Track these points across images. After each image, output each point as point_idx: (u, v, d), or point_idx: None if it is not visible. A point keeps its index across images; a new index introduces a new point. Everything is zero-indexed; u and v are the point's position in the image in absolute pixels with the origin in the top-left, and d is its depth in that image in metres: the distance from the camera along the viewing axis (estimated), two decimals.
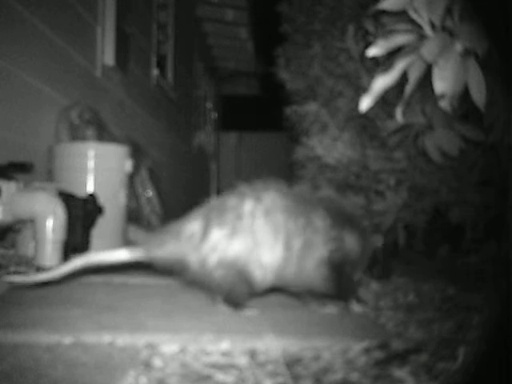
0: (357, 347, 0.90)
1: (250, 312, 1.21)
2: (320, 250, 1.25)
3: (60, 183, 2.65)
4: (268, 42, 3.34)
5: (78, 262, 1.22)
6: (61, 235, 2.03)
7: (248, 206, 1.27)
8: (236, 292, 1.21)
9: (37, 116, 2.89)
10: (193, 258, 1.19)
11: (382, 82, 1.31)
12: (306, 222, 1.26)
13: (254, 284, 1.22)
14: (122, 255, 1.21)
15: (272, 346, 0.91)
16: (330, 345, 0.92)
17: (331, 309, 1.29)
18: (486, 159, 1.63)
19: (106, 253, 1.23)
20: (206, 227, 1.20)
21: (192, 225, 1.22)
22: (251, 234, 1.20)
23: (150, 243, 1.22)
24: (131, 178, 3.42)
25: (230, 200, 1.30)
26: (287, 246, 1.22)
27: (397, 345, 0.90)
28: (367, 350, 0.88)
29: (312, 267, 1.24)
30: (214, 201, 1.31)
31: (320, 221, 1.27)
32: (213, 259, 1.18)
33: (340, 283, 1.27)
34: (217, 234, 1.19)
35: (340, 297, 1.29)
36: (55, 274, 1.19)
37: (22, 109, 2.73)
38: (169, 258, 1.20)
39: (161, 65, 5.61)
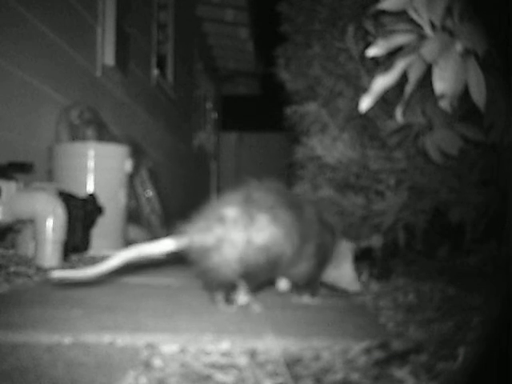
0: (357, 347, 0.90)
1: (257, 308, 1.27)
2: (312, 243, 1.34)
3: (60, 183, 2.65)
4: (268, 42, 3.34)
5: (126, 254, 1.19)
6: (61, 235, 2.03)
7: (273, 196, 1.32)
8: (258, 278, 1.28)
9: (37, 116, 2.89)
10: (238, 240, 1.21)
11: (381, 82, 1.31)
12: (306, 217, 1.34)
13: (277, 272, 1.32)
14: (168, 245, 1.23)
15: (272, 345, 0.91)
16: (329, 345, 0.92)
17: (308, 299, 1.40)
18: (486, 159, 1.63)
19: (152, 244, 1.23)
20: (249, 211, 1.24)
21: (234, 209, 1.25)
22: (285, 223, 1.26)
23: (193, 231, 1.23)
24: (131, 178, 3.42)
25: (259, 190, 1.36)
26: (299, 238, 1.29)
27: (397, 345, 0.90)
28: (367, 350, 0.88)
29: (305, 259, 1.33)
30: (246, 188, 1.38)
31: (312, 216, 1.37)
32: (258, 241, 1.22)
33: (317, 275, 1.39)
34: (261, 218, 1.24)
35: (312, 287, 1.40)
36: (104, 269, 1.17)
37: (22, 109, 2.73)
38: (214, 243, 1.22)
39: (161, 65, 5.61)
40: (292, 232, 1.27)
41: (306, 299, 1.40)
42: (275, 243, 1.24)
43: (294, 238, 1.28)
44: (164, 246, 1.23)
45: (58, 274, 1.13)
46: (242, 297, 1.29)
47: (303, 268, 1.34)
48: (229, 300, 1.26)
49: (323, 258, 1.39)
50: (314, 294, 1.42)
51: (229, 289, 1.27)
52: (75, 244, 2.37)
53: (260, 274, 1.26)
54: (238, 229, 1.22)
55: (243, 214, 1.24)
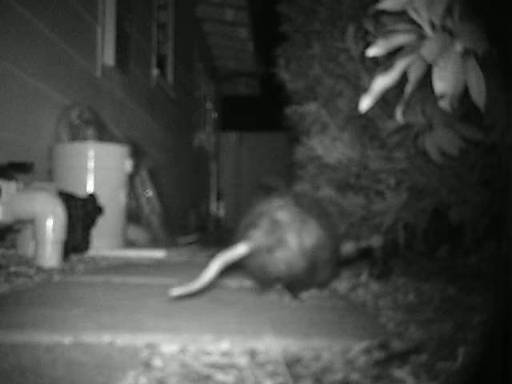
0: (357, 347, 0.90)
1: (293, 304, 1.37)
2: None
3: (60, 183, 2.65)
4: (268, 42, 3.34)
5: (217, 266, 1.28)
6: (61, 235, 2.03)
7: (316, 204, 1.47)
8: (311, 277, 1.39)
9: (37, 116, 2.89)
10: (292, 241, 1.32)
11: (381, 82, 1.31)
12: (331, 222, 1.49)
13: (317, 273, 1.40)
14: (243, 249, 1.33)
15: (272, 345, 0.91)
16: (330, 345, 0.92)
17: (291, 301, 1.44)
18: (486, 159, 1.63)
19: (231, 252, 1.32)
20: (302, 215, 1.36)
21: (285, 212, 1.36)
22: (327, 229, 1.39)
23: (257, 235, 1.35)
24: (131, 178, 3.42)
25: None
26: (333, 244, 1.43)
27: (397, 345, 0.90)
28: (367, 350, 0.88)
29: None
30: (293, 193, 1.56)
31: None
32: (308, 243, 1.33)
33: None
34: (313, 222, 1.36)
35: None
36: (206, 280, 1.26)
37: (22, 109, 2.74)
38: (273, 244, 1.33)
39: (161, 65, 5.61)
40: (330, 237, 1.40)
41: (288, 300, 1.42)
42: (323, 246, 1.36)
43: (331, 243, 1.40)
44: (240, 249, 1.34)
45: (177, 291, 1.24)
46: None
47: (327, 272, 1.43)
48: (295, 294, 1.40)
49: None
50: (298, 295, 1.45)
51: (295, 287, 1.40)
52: (75, 244, 2.37)
53: (310, 273, 1.36)
54: (291, 232, 1.33)
55: (296, 219, 1.35)
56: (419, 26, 1.29)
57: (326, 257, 1.37)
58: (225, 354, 0.87)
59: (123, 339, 0.93)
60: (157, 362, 0.81)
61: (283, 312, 1.24)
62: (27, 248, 2.24)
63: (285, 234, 1.33)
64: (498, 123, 1.44)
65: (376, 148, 1.87)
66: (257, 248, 1.34)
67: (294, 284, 1.39)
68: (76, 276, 1.81)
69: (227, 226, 9.34)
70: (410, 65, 1.29)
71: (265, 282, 1.41)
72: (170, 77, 5.93)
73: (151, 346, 0.89)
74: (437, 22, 1.26)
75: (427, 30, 1.28)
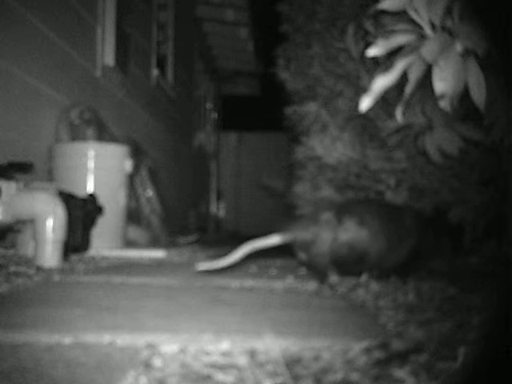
0: (357, 347, 0.90)
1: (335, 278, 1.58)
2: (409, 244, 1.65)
3: (60, 183, 2.65)
4: (268, 42, 3.34)
5: (246, 249, 1.52)
6: (61, 235, 2.03)
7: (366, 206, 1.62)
8: (349, 267, 1.58)
9: (37, 116, 2.89)
10: (328, 237, 1.52)
11: (381, 82, 1.31)
12: (400, 223, 1.67)
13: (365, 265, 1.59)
14: (276, 239, 1.55)
15: (272, 345, 0.91)
16: (330, 345, 0.92)
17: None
18: (486, 159, 1.63)
19: (264, 239, 1.56)
20: (339, 215, 1.53)
21: (326, 213, 1.55)
22: (370, 227, 1.54)
23: (294, 229, 1.56)
24: (131, 178, 3.42)
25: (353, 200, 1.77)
26: (387, 239, 1.58)
27: (397, 345, 0.90)
28: (367, 350, 0.88)
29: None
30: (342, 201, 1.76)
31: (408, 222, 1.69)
32: (343, 238, 1.52)
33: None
34: (348, 221, 1.52)
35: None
36: (231, 260, 1.51)
37: (22, 109, 2.74)
38: (309, 238, 1.53)
39: (161, 65, 5.61)
40: (379, 234, 1.53)
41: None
42: (358, 242, 1.52)
43: (381, 239, 1.54)
44: (273, 240, 1.55)
45: (203, 266, 1.50)
46: (333, 278, 1.58)
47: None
48: (322, 280, 1.57)
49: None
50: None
51: (323, 272, 1.58)
52: (75, 244, 2.37)
53: (345, 264, 1.55)
54: (327, 229, 1.52)
55: (334, 217, 1.53)
56: (419, 26, 1.29)
57: (374, 249, 1.54)
58: (225, 353, 0.86)
59: (123, 339, 0.93)
60: (157, 362, 0.81)
61: (283, 312, 1.24)
62: (27, 248, 2.24)
63: (321, 230, 1.51)
64: (498, 123, 1.44)
65: (376, 148, 1.87)
66: (291, 241, 1.54)
67: (335, 268, 1.57)
68: (76, 276, 1.81)
69: (227, 226, 9.34)
70: (410, 65, 1.29)
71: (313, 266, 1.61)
72: (170, 77, 5.93)
73: (151, 346, 0.89)
74: (437, 22, 1.26)
75: (427, 30, 1.28)
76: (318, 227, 1.53)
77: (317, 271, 1.60)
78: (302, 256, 1.59)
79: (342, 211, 1.56)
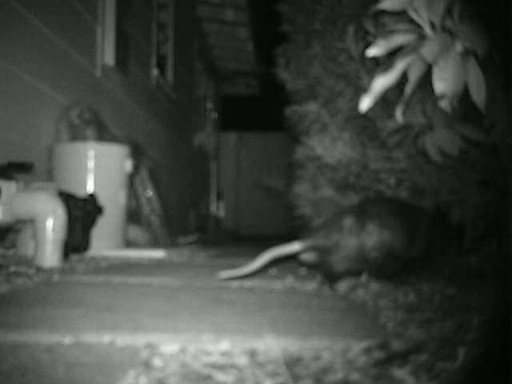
0: (357, 347, 0.90)
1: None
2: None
3: (60, 183, 2.65)
4: (268, 42, 3.34)
5: (267, 256, 1.51)
6: (61, 235, 2.03)
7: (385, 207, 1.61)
8: (388, 268, 1.58)
9: (37, 116, 2.90)
10: (352, 244, 1.52)
11: (381, 82, 1.31)
12: (416, 222, 1.67)
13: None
14: (297, 247, 1.53)
15: (272, 345, 0.91)
16: (329, 345, 0.92)
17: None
18: (486, 159, 1.63)
19: (285, 247, 1.54)
20: (361, 221, 1.53)
21: (348, 219, 1.54)
22: (392, 229, 1.55)
23: (315, 236, 1.56)
24: (131, 178, 3.42)
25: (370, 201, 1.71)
26: (408, 239, 1.60)
27: (397, 345, 0.90)
28: (367, 350, 0.88)
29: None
30: (359, 202, 1.71)
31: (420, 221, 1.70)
32: (369, 244, 1.52)
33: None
34: (371, 226, 1.53)
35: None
36: (253, 268, 1.50)
37: (22, 109, 2.74)
38: (331, 245, 1.53)
39: (161, 65, 5.60)
40: (400, 235, 1.54)
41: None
42: (383, 246, 1.52)
43: (402, 240, 1.55)
44: (294, 247, 1.53)
45: (225, 274, 1.49)
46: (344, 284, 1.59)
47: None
48: (333, 287, 1.56)
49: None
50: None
51: (337, 279, 1.58)
52: (75, 244, 2.37)
53: (373, 266, 1.56)
54: (351, 235, 1.52)
55: (356, 223, 1.53)
56: (419, 26, 1.29)
57: (397, 250, 1.55)
58: (225, 354, 0.86)
59: (123, 339, 0.93)
60: (157, 362, 0.81)
61: (283, 312, 1.24)
62: (27, 248, 2.24)
63: (342, 238, 1.52)
64: (498, 123, 1.44)
65: (376, 148, 1.87)
66: (312, 248, 1.53)
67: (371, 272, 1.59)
68: (76, 276, 1.81)
69: (227, 226, 9.34)
70: (410, 65, 1.29)
71: (327, 273, 1.62)
72: (169, 77, 5.93)
73: (151, 346, 0.89)
74: (437, 22, 1.26)
75: (427, 30, 1.28)
76: (341, 234, 1.54)
77: (334, 276, 1.59)
78: (310, 259, 1.58)
79: (362, 215, 1.56)
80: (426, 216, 1.67)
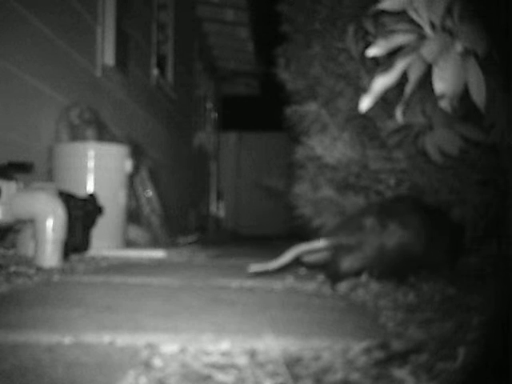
0: (357, 347, 0.90)
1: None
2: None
3: (60, 183, 2.65)
4: (268, 42, 3.34)
5: (294, 252, 1.55)
6: (61, 235, 2.03)
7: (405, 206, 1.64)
8: (402, 269, 1.60)
9: (37, 116, 2.90)
10: (374, 243, 1.54)
11: (381, 82, 1.31)
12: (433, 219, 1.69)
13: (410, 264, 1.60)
14: (321, 243, 1.56)
15: (272, 345, 0.91)
16: (329, 345, 0.92)
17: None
18: (486, 159, 1.63)
19: (310, 243, 1.58)
20: (382, 220, 1.55)
21: (369, 218, 1.56)
22: (413, 228, 1.56)
23: (339, 234, 1.58)
24: (131, 178, 3.42)
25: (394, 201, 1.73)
26: (428, 238, 1.61)
27: (397, 345, 0.90)
28: (367, 350, 0.88)
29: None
30: (379, 202, 1.75)
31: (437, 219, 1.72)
32: (390, 244, 1.54)
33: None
34: (392, 225, 1.54)
35: None
36: (281, 262, 1.54)
37: (22, 109, 2.74)
38: (352, 243, 1.55)
39: (161, 65, 5.60)
40: (420, 234, 1.56)
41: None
42: (403, 246, 1.54)
43: (422, 239, 1.56)
44: (319, 244, 1.57)
45: (254, 268, 1.56)
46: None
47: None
48: (334, 287, 1.58)
49: None
50: None
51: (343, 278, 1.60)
52: (75, 244, 2.37)
53: (391, 266, 1.57)
54: (373, 235, 1.54)
55: (377, 223, 1.55)
56: (419, 26, 1.29)
57: (417, 249, 1.56)
58: (225, 354, 0.87)
59: (123, 339, 0.93)
60: (157, 362, 0.81)
61: (283, 312, 1.24)
62: (27, 248, 2.24)
63: (366, 237, 1.54)
64: (498, 123, 1.44)
65: (376, 148, 1.87)
66: (336, 246, 1.56)
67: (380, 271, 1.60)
68: (76, 276, 1.82)
69: (227, 226, 9.34)
70: (410, 65, 1.29)
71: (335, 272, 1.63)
72: (169, 77, 5.93)
73: (151, 346, 0.89)
74: (437, 22, 1.26)
75: (427, 30, 1.28)
76: (363, 233, 1.56)
77: (339, 276, 1.61)
78: (315, 259, 1.63)
79: (384, 215, 1.58)
80: (447, 218, 1.67)
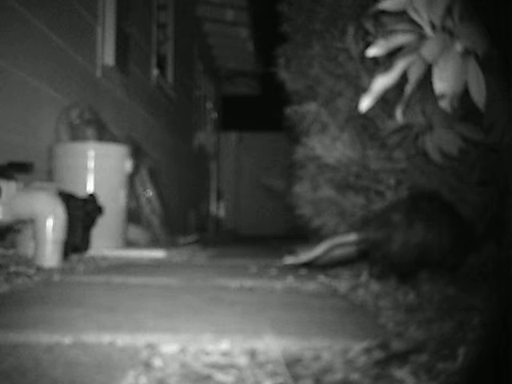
0: (357, 347, 0.90)
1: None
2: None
3: (60, 183, 2.65)
4: (268, 42, 3.34)
5: (327, 244, 1.63)
6: (61, 235, 2.03)
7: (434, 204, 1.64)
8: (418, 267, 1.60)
9: (37, 116, 2.89)
10: (399, 239, 1.55)
11: (381, 82, 1.31)
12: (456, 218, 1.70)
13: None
14: (352, 237, 1.62)
15: (272, 345, 0.91)
16: (330, 345, 0.91)
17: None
18: (486, 159, 1.63)
19: (341, 237, 1.65)
20: (408, 217, 1.56)
21: (397, 215, 1.58)
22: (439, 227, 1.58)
23: (368, 229, 1.61)
24: (131, 178, 3.42)
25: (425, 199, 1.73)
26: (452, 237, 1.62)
27: (397, 345, 0.90)
28: (367, 350, 0.88)
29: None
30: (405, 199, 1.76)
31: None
32: (412, 242, 1.55)
33: None
34: (418, 223, 1.55)
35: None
36: (315, 254, 1.61)
37: (22, 109, 2.74)
38: (378, 239, 1.58)
39: (161, 65, 5.60)
40: (445, 233, 1.56)
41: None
42: (425, 244, 1.55)
43: (445, 239, 1.56)
44: (350, 237, 1.62)
45: (289, 260, 1.64)
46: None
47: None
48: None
49: None
50: None
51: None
52: (75, 244, 2.37)
53: (412, 263, 1.58)
54: (399, 231, 1.55)
55: (404, 219, 1.56)
56: (419, 26, 1.29)
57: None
58: (225, 353, 0.87)
59: (123, 339, 0.93)
60: (157, 362, 0.81)
61: (283, 312, 1.24)
62: (27, 248, 2.24)
63: (392, 232, 1.56)
64: (498, 123, 1.44)
65: (376, 148, 1.87)
66: (365, 240, 1.60)
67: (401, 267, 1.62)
68: (76, 276, 1.82)
69: (227, 226, 9.35)
70: (410, 65, 1.29)
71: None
72: (169, 77, 5.93)
73: (151, 346, 0.89)
74: (437, 22, 1.26)
75: (427, 30, 1.28)
76: (389, 228, 1.58)
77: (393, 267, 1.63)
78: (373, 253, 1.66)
79: (411, 212, 1.59)
80: (463, 219, 1.68)
